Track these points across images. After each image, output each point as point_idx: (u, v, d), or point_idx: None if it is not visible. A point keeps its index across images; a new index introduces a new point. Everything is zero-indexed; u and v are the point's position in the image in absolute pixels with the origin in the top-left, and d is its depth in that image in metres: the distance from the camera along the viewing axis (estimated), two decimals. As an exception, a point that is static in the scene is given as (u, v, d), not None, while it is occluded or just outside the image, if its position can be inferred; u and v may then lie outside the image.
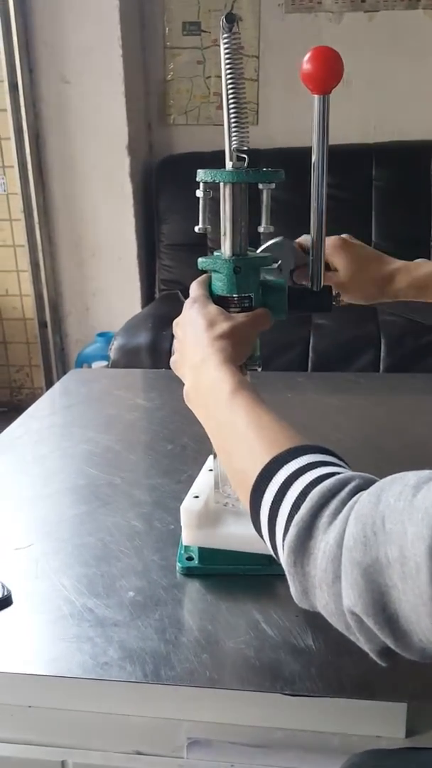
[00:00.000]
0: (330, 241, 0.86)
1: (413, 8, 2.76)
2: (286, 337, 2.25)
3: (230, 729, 0.71)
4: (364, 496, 0.45)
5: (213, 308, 0.70)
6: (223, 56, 0.68)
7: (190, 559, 0.80)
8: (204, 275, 0.76)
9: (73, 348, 3.04)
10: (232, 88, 0.68)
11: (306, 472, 0.50)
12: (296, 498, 0.48)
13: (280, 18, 2.83)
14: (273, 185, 0.72)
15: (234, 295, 0.74)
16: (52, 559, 0.83)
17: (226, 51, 0.67)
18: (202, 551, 0.79)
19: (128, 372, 1.99)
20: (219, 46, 0.68)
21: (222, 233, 0.75)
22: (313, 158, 0.72)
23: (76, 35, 2.62)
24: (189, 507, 0.78)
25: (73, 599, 0.74)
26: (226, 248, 0.75)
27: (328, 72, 0.64)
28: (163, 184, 2.88)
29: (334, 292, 0.80)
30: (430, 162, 2.74)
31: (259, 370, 0.79)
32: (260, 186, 0.72)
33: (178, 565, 0.79)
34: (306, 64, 0.64)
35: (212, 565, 0.79)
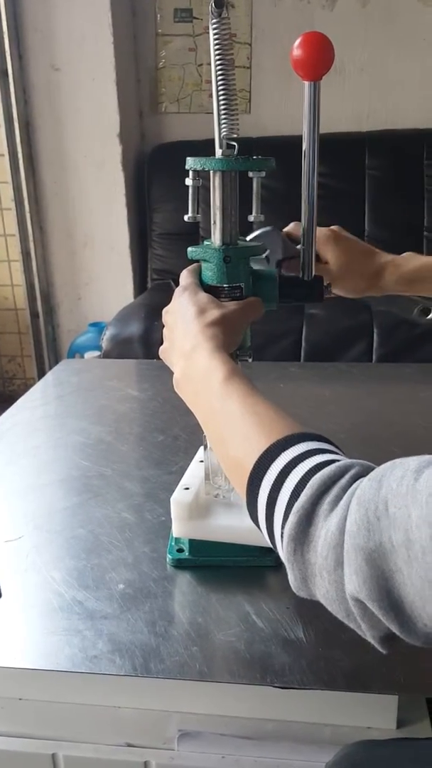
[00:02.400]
0: (321, 233, 0.85)
1: (407, -5, 2.74)
2: (279, 327, 2.24)
3: (221, 721, 0.71)
4: (365, 481, 0.44)
5: (203, 296, 0.69)
6: (212, 43, 0.67)
7: (180, 551, 0.79)
8: (194, 264, 0.75)
9: (65, 338, 3.02)
10: (221, 76, 0.67)
11: (305, 459, 0.49)
12: (296, 485, 0.47)
13: (273, 4, 2.80)
14: (263, 173, 0.71)
15: (224, 285, 0.73)
16: (43, 551, 0.82)
17: (216, 37, 0.66)
18: (193, 543, 0.78)
19: (120, 362, 1.98)
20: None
21: (212, 222, 0.74)
22: (304, 146, 0.72)
23: (66, 22, 2.59)
24: (179, 498, 0.78)
25: (62, 592, 0.74)
26: (216, 237, 0.74)
27: (319, 58, 0.63)
28: (155, 173, 2.85)
29: (324, 283, 0.79)
30: (423, 150, 2.73)
31: (250, 360, 0.79)
32: (250, 174, 0.71)
33: (169, 557, 0.79)
34: (296, 50, 0.63)
35: (203, 557, 0.78)
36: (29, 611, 0.72)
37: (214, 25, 0.66)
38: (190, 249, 0.74)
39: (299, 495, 0.47)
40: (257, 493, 0.51)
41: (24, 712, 0.73)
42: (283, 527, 0.47)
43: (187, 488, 0.80)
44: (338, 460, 0.48)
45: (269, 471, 0.50)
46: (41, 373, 2.92)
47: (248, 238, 0.84)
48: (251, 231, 0.83)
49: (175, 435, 1.14)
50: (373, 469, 0.47)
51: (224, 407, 0.59)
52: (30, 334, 2.98)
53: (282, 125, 2.75)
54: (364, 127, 2.85)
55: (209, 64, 0.68)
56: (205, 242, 0.75)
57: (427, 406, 1.26)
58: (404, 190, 2.75)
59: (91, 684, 0.70)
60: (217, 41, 0.67)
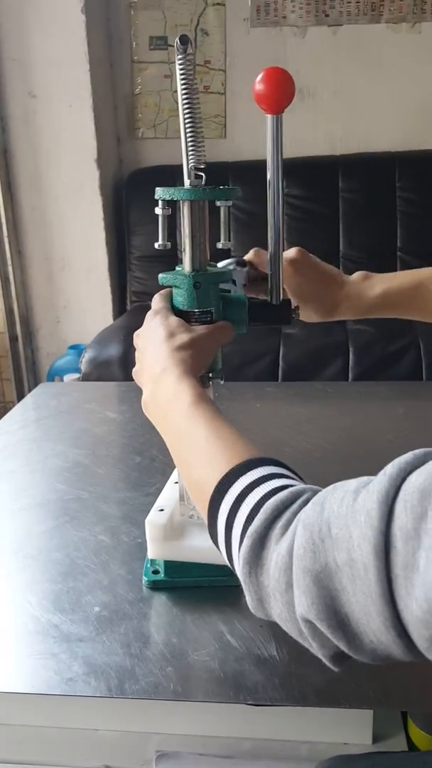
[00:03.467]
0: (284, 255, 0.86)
1: (376, 22, 2.81)
2: (257, 348, 2.26)
3: (199, 740, 0.72)
4: (309, 505, 0.46)
5: (174, 320, 0.71)
6: (178, 76, 0.69)
7: (156, 572, 0.80)
8: (166, 289, 0.77)
9: (44, 361, 3.03)
10: (187, 108, 0.69)
11: (260, 484, 0.51)
12: (250, 510, 0.49)
13: (246, 32, 2.87)
14: (230, 202, 0.73)
15: (195, 310, 0.75)
16: (19, 575, 0.83)
17: (181, 71, 0.68)
18: (168, 564, 0.79)
19: (99, 385, 1.99)
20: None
21: (182, 249, 0.76)
22: (269, 176, 0.74)
23: (42, 50, 2.63)
24: (154, 520, 0.79)
25: (38, 615, 0.74)
26: (186, 264, 0.76)
27: (280, 92, 0.65)
28: (133, 197, 2.89)
29: (293, 305, 0.81)
30: (396, 173, 2.79)
31: (222, 382, 0.80)
32: (218, 203, 0.73)
33: (144, 579, 0.80)
34: (258, 84, 0.66)
35: (178, 578, 0.79)
36: (5, 635, 0.72)
37: (180, 60, 0.68)
38: (161, 275, 0.76)
39: (253, 519, 0.48)
40: (216, 517, 0.53)
41: (0, 737, 0.73)
42: (239, 550, 0.49)
43: (161, 509, 0.81)
44: (293, 485, 0.50)
45: (227, 496, 0.52)
46: (20, 396, 2.92)
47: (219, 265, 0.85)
48: (221, 258, 0.85)
49: (152, 456, 1.15)
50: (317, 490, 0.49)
51: (189, 431, 0.61)
52: (9, 358, 2.98)
53: (257, 149, 2.78)
54: (337, 151, 2.91)
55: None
56: (176, 268, 0.77)
57: (398, 423, 1.28)
58: (378, 212, 2.80)
59: (69, 707, 0.71)
60: (182, 75, 0.69)
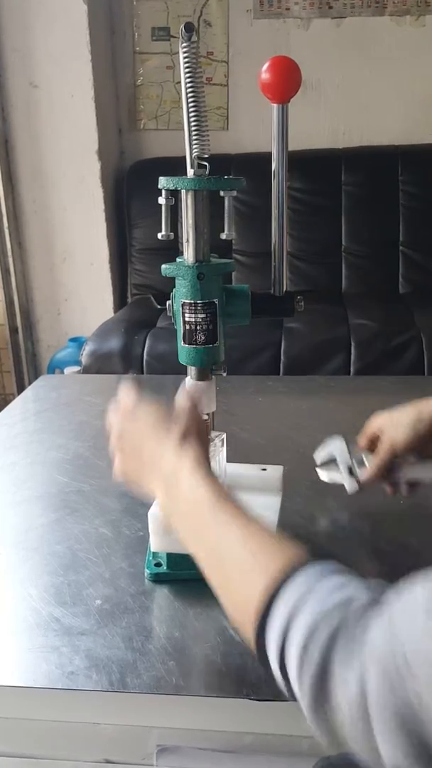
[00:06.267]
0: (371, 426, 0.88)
1: (380, 15, 2.79)
2: (258, 341, 2.26)
3: (200, 735, 0.71)
4: (376, 632, 0.42)
5: (158, 409, 0.67)
6: (182, 65, 0.68)
7: (158, 565, 0.80)
8: (125, 388, 0.72)
9: (45, 353, 3.02)
10: (192, 96, 0.68)
11: (308, 598, 0.47)
12: (304, 638, 0.45)
13: (249, 24, 2.85)
14: (234, 192, 0.72)
15: (198, 301, 0.74)
16: (20, 568, 0.82)
17: (186, 60, 0.68)
18: (171, 557, 0.79)
19: (100, 377, 1.98)
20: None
21: (185, 240, 0.75)
22: (274, 166, 0.73)
23: (44, 40, 2.61)
24: (157, 513, 0.78)
25: (39, 609, 0.74)
26: (189, 255, 0.75)
27: (287, 82, 0.65)
28: (134, 189, 2.87)
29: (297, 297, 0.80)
30: (399, 166, 2.78)
31: (225, 374, 0.80)
32: (222, 193, 0.72)
33: (147, 572, 0.79)
34: (264, 73, 0.65)
35: (181, 571, 0.79)
36: (5, 629, 0.72)
37: (184, 48, 0.68)
38: (164, 267, 0.75)
39: (309, 647, 0.44)
40: (265, 646, 0.49)
41: (1, 731, 0.73)
42: (299, 687, 0.45)
43: (163, 503, 0.80)
44: (343, 589, 0.46)
45: (274, 621, 0.48)
46: (20, 389, 2.91)
47: (317, 455, 0.91)
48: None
49: (154, 450, 1.15)
50: (378, 593, 0.45)
51: (218, 537, 0.56)
52: (9, 350, 2.97)
53: (259, 142, 2.78)
54: (340, 144, 2.89)
55: (184, 83, 0.69)
56: (178, 259, 0.77)
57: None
58: (380, 206, 2.79)
59: (69, 701, 0.70)
60: (187, 64, 0.68)
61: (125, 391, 0.71)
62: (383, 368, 2.18)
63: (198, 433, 0.65)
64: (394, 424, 0.84)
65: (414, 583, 0.42)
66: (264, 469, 0.90)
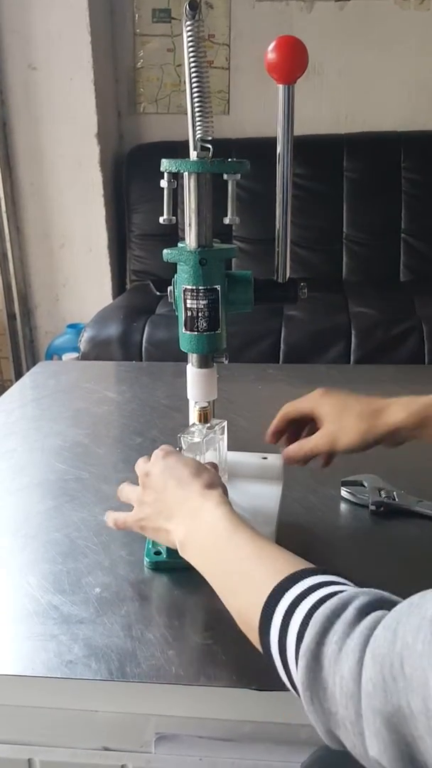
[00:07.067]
0: (310, 395, 0.85)
1: (383, -2, 2.76)
2: (258, 329, 2.24)
3: (198, 723, 0.71)
4: (379, 631, 0.42)
5: (192, 460, 0.71)
6: (186, 44, 0.67)
7: (157, 553, 0.79)
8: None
9: (43, 340, 3.01)
10: (195, 77, 0.67)
11: (306, 596, 0.48)
12: (299, 626, 0.46)
13: (251, 6, 2.81)
14: (238, 176, 0.71)
15: (200, 287, 0.73)
16: (18, 555, 0.82)
17: (189, 39, 0.66)
18: (170, 546, 0.78)
19: (98, 364, 1.97)
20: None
21: (187, 224, 0.74)
22: (279, 149, 0.72)
23: (43, 22, 2.57)
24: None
25: (38, 597, 0.73)
26: (191, 240, 0.74)
27: (293, 62, 0.63)
28: (134, 174, 2.85)
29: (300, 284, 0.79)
30: (401, 152, 2.75)
31: (226, 362, 0.79)
32: (225, 177, 0.71)
33: (146, 560, 0.79)
34: (270, 53, 0.63)
35: (180, 560, 0.77)
36: (3, 616, 0.71)
37: (188, 27, 0.66)
38: (165, 251, 0.74)
39: (304, 636, 0.45)
40: (269, 644, 0.50)
41: (-1, 718, 0.72)
42: (297, 675, 0.46)
43: (163, 491, 0.79)
44: (342, 591, 0.47)
45: (274, 618, 0.49)
46: (18, 375, 2.90)
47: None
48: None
49: (153, 437, 1.14)
50: (380, 597, 0.46)
51: (231, 557, 0.60)
52: (7, 336, 2.96)
53: (261, 126, 2.75)
54: (342, 129, 2.87)
55: (186, 65, 0.68)
56: (180, 245, 0.75)
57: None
58: (382, 192, 2.77)
59: (67, 688, 0.70)
60: (191, 42, 0.66)
61: (164, 447, 0.74)
62: (383, 357, 2.17)
63: (222, 485, 0.69)
64: (342, 426, 0.80)
65: (424, 596, 0.42)
66: (265, 458, 0.89)
